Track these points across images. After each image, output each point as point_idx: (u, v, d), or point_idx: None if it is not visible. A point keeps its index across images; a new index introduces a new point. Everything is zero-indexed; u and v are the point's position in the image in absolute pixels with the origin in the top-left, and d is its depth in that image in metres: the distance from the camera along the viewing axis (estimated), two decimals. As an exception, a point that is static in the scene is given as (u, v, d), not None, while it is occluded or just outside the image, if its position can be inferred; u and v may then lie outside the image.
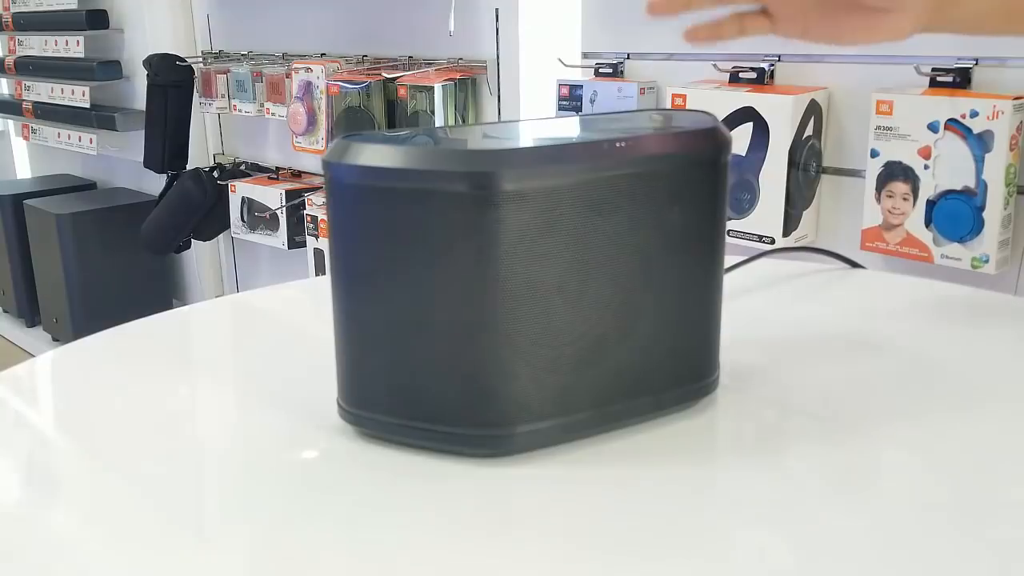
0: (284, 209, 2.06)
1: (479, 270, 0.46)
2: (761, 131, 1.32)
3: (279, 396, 0.57)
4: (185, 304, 0.93)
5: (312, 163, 2.19)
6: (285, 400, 0.57)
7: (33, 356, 0.66)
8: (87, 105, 2.58)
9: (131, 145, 2.58)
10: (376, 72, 1.85)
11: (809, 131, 1.32)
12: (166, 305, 2.61)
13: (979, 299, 0.74)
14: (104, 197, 2.72)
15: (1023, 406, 0.55)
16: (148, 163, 2.27)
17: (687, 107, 1.38)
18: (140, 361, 0.65)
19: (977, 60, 1.19)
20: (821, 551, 0.41)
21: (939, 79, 1.20)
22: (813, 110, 1.32)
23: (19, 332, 2.85)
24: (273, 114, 2.06)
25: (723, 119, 1.21)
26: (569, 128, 0.54)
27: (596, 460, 0.49)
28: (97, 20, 2.55)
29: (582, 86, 1.55)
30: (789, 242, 1.35)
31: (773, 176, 1.33)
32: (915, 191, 1.22)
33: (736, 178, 1.36)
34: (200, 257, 2.54)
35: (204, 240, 2.37)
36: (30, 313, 2.81)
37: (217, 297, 0.85)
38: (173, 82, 2.21)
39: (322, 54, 2.06)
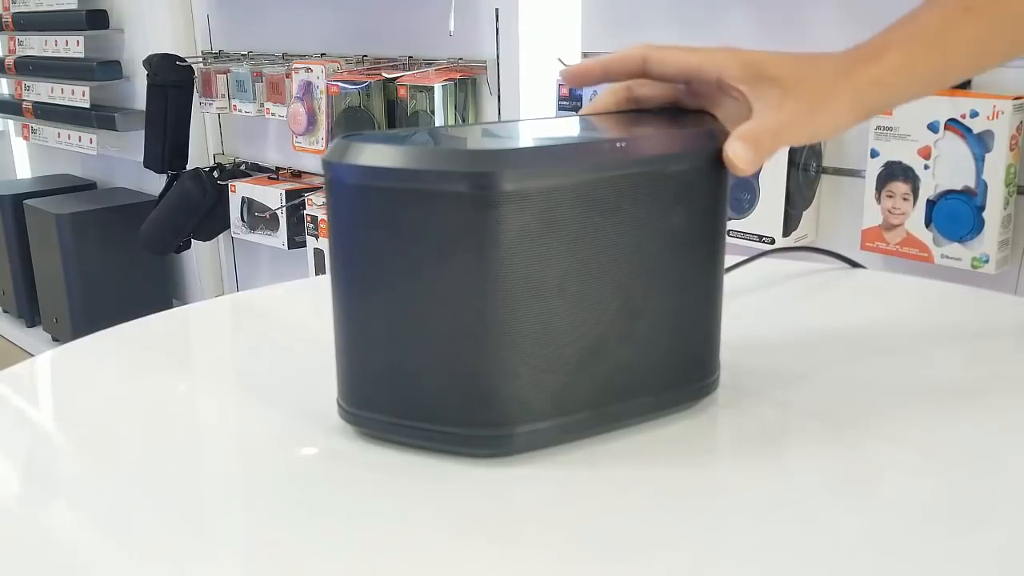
0: (284, 209, 2.06)
1: (479, 270, 0.45)
2: (761, 131, 1.32)
3: (279, 396, 0.57)
4: (185, 304, 0.93)
5: (312, 163, 2.18)
6: (285, 400, 0.57)
7: (33, 356, 0.66)
8: (87, 105, 2.58)
9: (131, 145, 2.58)
10: (376, 72, 1.85)
11: (809, 131, 1.32)
12: (166, 305, 2.61)
13: (979, 299, 0.74)
14: (104, 197, 2.72)
15: (1023, 406, 0.55)
16: (148, 163, 2.27)
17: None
18: (140, 361, 0.64)
19: (977, 60, 1.19)
20: (821, 551, 0.41)
21: (939, 79, 1.20)
22: (813, 110, 1.31)
23: (19, 332, 2.84)
24: (273, 114, 2.06)
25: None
26: (569, 128, 0.54)
27: (596, 460, 0.49)
28: (97, 20, 2.55)
29: (580, 87, 1.55)
30: (789, 242, 1.35)
31: (773, 176, 1.33)
32: (915, 191, 1.22)
33: (736, 178, 1.36)
34: (200, 257, 2.54)
35: (204, 240, 2.36)
36: (30, 313, 2.81)
37: (217, 297, 0.85)
38: (173, 82, 2.21)
39: (322, 54, 2.06)
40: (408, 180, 0.45)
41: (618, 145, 0.48)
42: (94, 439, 0.53)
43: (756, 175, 1.34)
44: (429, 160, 0.45)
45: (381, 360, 0.48)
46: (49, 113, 2.75)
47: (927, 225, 1.22)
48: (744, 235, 1.37)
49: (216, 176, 2.25)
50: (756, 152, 0.50)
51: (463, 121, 1.75)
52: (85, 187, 2.88)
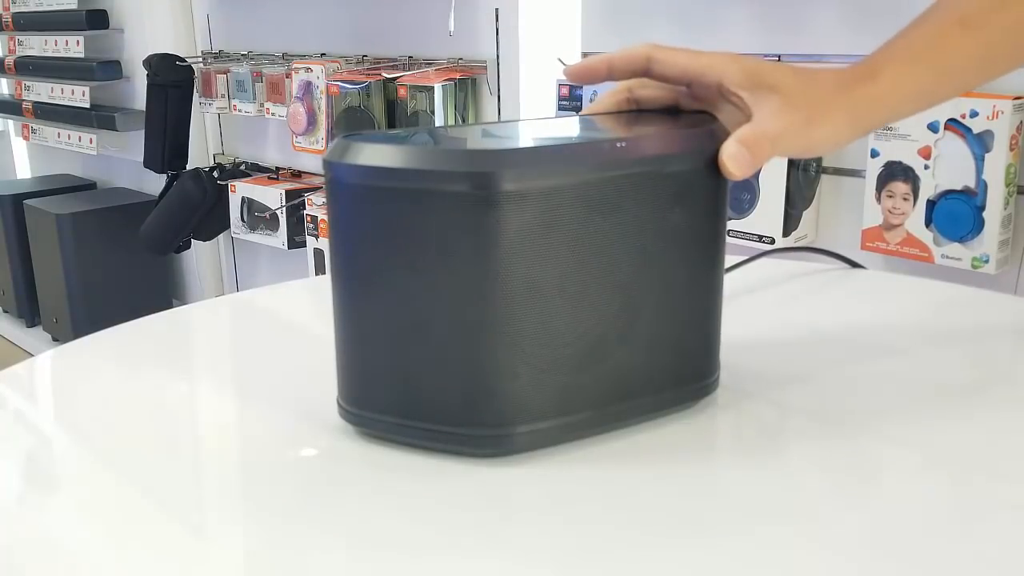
0: (284, 209, 2.06)
1: (479, 270, 0.45)
2: (761, 131, 1.32)
3: (279, 395, 0.57)
4: (185, 304, 0.93)
5: (312, 163, 2.18)
6: (285, 399, 0.57)
7: (33, 356, 0.66)
8: (87, 105, 2.58)
9: (131, 145, 2.58)
10: (376, 72, 1.85)
11: (809, 131, 1.32)
12: (166, 305, 2.61)
13: (979, 299, 0.74)
14: (104, 197, 2.72)
15: (1023, 406, 0.55)
16: (148, 163, 2.27)
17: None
18: (140, 360, 0.64)
19: (977, 60, 1.19)
20: (821, 551, 0.41)
21: (939, 79, 1.20)
22: (813, 110, 1.31)
23: (19, 332, 2.84)
24: (273, 114, 2.06)
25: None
26: (569, 128, 0.54)
27: (596, 460, 0.49)
28: (97, 20, 2.55)
29: (582, 86, 1.55)
30: (789, 242, 1.35)
31: (773, 176, 1.33)
32: (915, 191, 1.22)
33: (736, 178, 1.36)
34: (200, 257, 2.54)
35: (204, 240, 2.36)
36: (30, 313, 2.81)
37: (217, 297, 0.85)
38: (173, 82, 2.21)
39: (322, 54, 2.06)
40: (408, 180, 0.45)
41: (618, 145, 0.48)
42: (94, 439, 0.53)
43: (756, 175, 1.34)
44: (429, 160, 0.45)
45: (381, 360, 0.48)
46: (49, 113, 2.75)
47: (927, 225, 1.22)
48: (744, 235, 1.38)
49: (216, 176, 2.25)
50: (753, 156, 0.50)
51: (463, 121, 1.75)
52: (85, 187, 2.88)
